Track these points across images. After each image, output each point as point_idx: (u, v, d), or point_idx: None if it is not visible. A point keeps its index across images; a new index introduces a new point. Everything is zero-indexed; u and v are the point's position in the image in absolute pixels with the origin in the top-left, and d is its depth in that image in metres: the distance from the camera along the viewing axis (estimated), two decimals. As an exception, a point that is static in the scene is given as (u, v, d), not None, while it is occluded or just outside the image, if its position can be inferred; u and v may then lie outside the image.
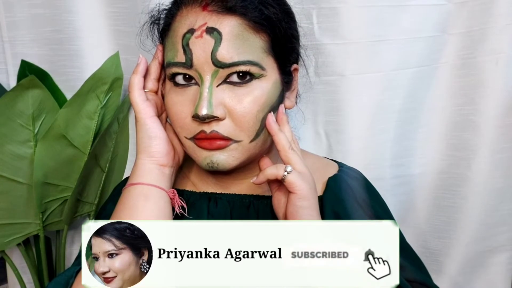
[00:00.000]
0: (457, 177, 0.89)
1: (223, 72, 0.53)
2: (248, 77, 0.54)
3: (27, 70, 0.82)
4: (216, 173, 0.64)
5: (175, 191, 0.59)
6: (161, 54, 0.60)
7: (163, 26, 0.60)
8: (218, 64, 0.53)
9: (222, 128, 0.54)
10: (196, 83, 0.55)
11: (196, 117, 0.53)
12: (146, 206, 0.55)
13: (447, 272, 0.93)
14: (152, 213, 0.55)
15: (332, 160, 0.72)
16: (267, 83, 0.56)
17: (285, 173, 0.54)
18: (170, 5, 0.59)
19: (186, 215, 0.60)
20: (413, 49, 0.84)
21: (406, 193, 0.93)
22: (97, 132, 0.82)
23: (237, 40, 0.53)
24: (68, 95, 0.85)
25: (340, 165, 0.70)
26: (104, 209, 0.68)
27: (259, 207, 0.63)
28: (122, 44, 0.86)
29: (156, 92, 0.62)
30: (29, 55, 0.84)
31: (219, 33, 0.53)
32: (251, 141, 0.56)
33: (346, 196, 0.64)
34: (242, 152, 0.56)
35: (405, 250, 0.66)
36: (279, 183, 0.59)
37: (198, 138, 0.55)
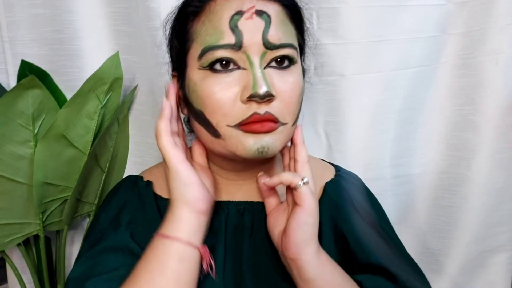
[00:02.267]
0: (457, 177, 0.89)
1: (270, 54, 0.53)
2: (288, 62, 0.55)
3: (27, 70, 0.82)
4: (221, 173, 0.63)
5: (207, 248, 0.56)
6: (175, 88, 0.59)
7: (193, 9, 0.56)
8: (268, 45, 0.53)
9: (273, 109, 0.53)
10: (238, 68, 0.53)
11: (255, 96, 0.51)
12: (179, 268, 0.52)
13: (447, 272, 0.93)
14: (182, 275, 0.52)
15: (328, 163, 0.72)
16: (299, 70, 0.57)
17: (301, 182, 0.53)
18: None
19: (212, 275, 0.56)
20: (413, 49, 0.84)
21: (406, 193, 0.93)
22: (97, 132, 0.82)
23: (281, 24, 0.54)
24: (68, 95, 0.85)
25: (337, 168, 0.70)
26: (97, 221, 0.64)
27: (254, 213, 0.62)
28: (122, 44, 0.86)
29: (177, 133, 0.60)
30: (29, 55, 0.84)
31: (269, 16, 0.53)
32: (293, 124, 0.56)
33: (343, 202, 0.64)
34: (286, 135, 0.55)
35: (405, 257, 0.66)
36: (276, 200, 0.59)
37: (246, 123, 0.52)
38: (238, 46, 0.52)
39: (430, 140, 0.90)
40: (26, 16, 0.83)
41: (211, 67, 0.53)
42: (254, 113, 0.52)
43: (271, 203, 0.59)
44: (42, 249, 0.85)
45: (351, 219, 0.63)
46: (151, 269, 0.52)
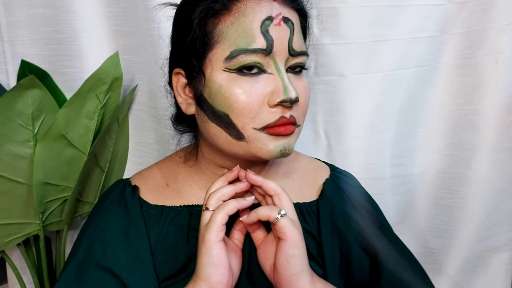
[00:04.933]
0: (457, 177, 0.89)
1: (291, 61, 0.55)
2: (300, 68, 0.57)
3: (27, 70, 0.82)
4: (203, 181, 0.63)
5: None
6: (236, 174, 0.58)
7: (220, 8, 0.54)
8: (292, 52, 0.55)
9: (295, 113, 0.55)
10: (264, 72, 0.53)
11: (286, 102, 0.52)
12: None
13: (447, 272, 0.93)
14: None
15: (323, 162, 0.72)
16: (305, 76, 0.59)
17: (278, 215, 0.53)
18: None
19: None
20: (413, 49, 0.84)
21: (406, 193, 0.93)
22: (97, 132, 0.82)
23: (299, 32, 0.57)
24: (68, 95, 0.85)
25: (332, 168, 0.70)
26: (86, 229, 0.61)
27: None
28: (122, 44, 0.86)
29: None
30: (29, 55, 0.84)
31: (293, 24, 0.55)
32: (301, 126, 0.58)
33: (342, 201, 0.64)
34: (297, 135, 0.58)
35: (407, 255, 0.66)
36: (264, 233, 0.59)
37: (273, 126, 0.53)
38: (268, 51, 0.53)
39: (430, 140, 0.90)
40: (26, 16, 0.83)
41: (239, 70, 0.53)
42: (282, 117, 0.53)
43: (258, 236, 0.59)
44: (42, 249, 0.85)
45: (349, 217, 0.63)
46: None
